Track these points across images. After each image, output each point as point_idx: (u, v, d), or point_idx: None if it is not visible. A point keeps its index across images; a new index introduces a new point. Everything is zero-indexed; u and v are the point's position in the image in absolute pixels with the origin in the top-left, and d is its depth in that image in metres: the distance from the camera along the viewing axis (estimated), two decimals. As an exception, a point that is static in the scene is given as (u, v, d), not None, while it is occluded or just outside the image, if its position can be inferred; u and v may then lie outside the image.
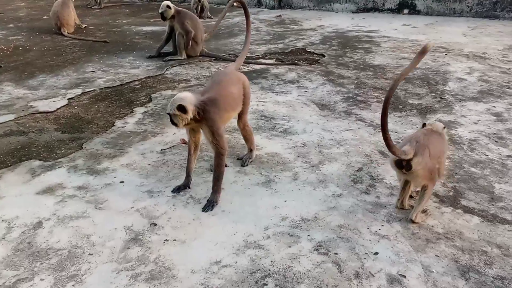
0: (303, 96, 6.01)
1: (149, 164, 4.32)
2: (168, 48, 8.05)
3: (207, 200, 3.65)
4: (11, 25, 11.20)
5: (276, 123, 5.18)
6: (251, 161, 4.31)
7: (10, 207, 3.65)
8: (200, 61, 7.75)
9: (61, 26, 9.86)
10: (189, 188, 3.89)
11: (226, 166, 4.17)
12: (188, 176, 3.90)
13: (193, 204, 3.68)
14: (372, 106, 5.63)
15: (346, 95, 6.03)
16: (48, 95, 6.19)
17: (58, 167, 4.28)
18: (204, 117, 3.56)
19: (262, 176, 4.09)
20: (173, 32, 7.80)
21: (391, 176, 4.00)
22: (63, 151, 4.63)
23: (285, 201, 3.69)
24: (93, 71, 7.27)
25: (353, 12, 12.25)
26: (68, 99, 6.05)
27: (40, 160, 4.42)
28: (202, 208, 3.60)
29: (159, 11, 7.67)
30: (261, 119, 5.31)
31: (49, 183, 4.00)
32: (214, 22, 8.01)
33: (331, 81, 6.62)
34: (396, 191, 3.72)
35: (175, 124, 3.55)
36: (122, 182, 4.03)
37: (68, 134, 5.04)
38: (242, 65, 7.39)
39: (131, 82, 6.73)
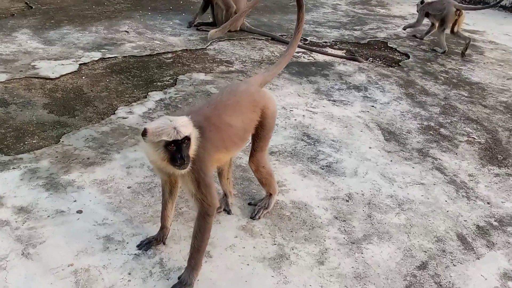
0: (368, 114, 4.53)
1: (129, 187, 3.13)
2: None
3: (178, 279, 2.42)
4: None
5: (320, 151, 3.79)
6: (266, 213, 3.00)
7: None
8: (253, 38, 6.36)
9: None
10: (164, 244, 2.68)
11: (228, 213, 2.93)
12: (163, 227, 2.68)
13: (158, 279, 2.46)
14: (459, 149, 4.07)
15: (426, 123, 4.47)
16: (61, 55, 5.13)
17: (13, 168, 3.20)
18: None
19: (274, 244, 2.78)
20: (210, 1, 6.48)
21: (469, 292, 2.57)
22: (34, 141, 3.54)
23: (294, 306, 2.39)
24: (127, 31, 6.12)
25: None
26: (80, 64, 4.96)
27: (-2, 151, 3.36)
28: None
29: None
30: (302, 140, 3.94)
31: (-13, 193, 2.92)
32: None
33: (410, 96, 5.04)
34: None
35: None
36: (79, 211, 2.87)
37: (54, 115, 3.95)
38: (303, 52, 5.95)
39: (163, 53, 5.52)
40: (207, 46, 5.91)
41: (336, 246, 2.82)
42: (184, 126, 2.19)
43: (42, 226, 2.73)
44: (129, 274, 2.47)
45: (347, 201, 3.24)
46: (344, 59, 5.94)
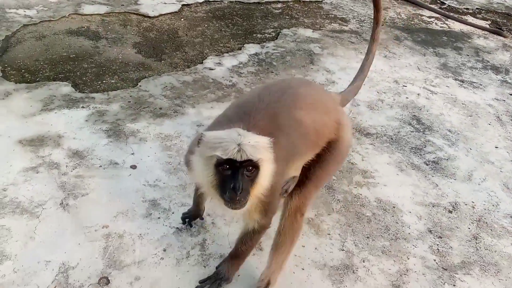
0: (503, 103, 3.63)
1: (194, 148, 2.76)
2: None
3: (216, 269, 2.02)
4: None
5: (429, 141, 3.08)
6: None
7: (-30, 152, 2.53)
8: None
9: None
10: (202, 219, 2.27)
11: None
12: (196, 206, 2.26)
13: (194, 263, 2.09)
14: None
15: None
16: (167, -8, 4.86)
17: (82, 107, 3.01)
18: None
19: (342, 249, 2.24)
20: None
21: None
22: (112, 81, 3.33)
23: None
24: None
25: None
26: (183, 4, 4.65)
27: (74, 86, 3.20)
28: (200, 281, 2.00)
29: None
30: (410, 124, 3.24)
31: (48, 130, 2.76)
32: None
33: None
34: None
35: None
36: (133, 167, 2.59)
37: (142, 56, 3.70)
38: (437, 18, 5.02)
39: (273, 2, 5.00)
40: None
41: (421, 269, 2.20)
42: (255, 147, 1.50)
43: (91, 176, 2.49)
44: (164, 251, 2.13)
45: (450, 212, 2.55)
46: (486, 32, 4.91)
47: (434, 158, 2.94)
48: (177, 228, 2.25)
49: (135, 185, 2.47)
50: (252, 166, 1.51)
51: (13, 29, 3.73)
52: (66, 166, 2.53)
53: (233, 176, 1.49)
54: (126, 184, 2.47)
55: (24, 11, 4.03)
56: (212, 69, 3.62)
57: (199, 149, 1.56)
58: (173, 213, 2.33)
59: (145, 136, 2.82)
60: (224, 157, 1.48)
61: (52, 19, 3.98)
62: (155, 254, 2.12)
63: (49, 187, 2.38)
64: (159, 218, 2.30)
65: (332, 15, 4.86)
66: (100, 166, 2.57)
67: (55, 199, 2.32)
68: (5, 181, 2.38)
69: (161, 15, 4.39)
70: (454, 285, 2.15)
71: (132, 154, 2.68)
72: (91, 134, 2.79)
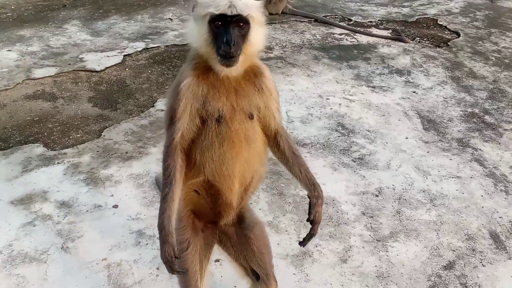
0: (408, 101, 4.40)
1: (163, 182, 3.27)
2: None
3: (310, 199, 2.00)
4: None
5: (353, 142, 3.75)
6: None
7: (-30, 219, 2.90)
8: (296, 21, 6.28)
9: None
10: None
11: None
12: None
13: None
14: (503, 139, 3.88)
15: (469, 109, 4.28)
16: (107, 46, 5.32)
17: (58, 163, 3.43)
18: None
19: (298, 240, 2.82)
20: None
21: (496, 295, 2.50)
22: (78, 135, 3.76)
23: (312, 305, 2.44)
24: (170, 19, 6.23)
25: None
26: (124, 55, 5.13)
27: (45, 146, 3.61)
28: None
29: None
30: (337, 130, 3.90)
31: (34, 188, 3.17)
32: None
33: (456, 80, 4.82)
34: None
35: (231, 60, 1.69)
36: (115, 206, 3.06)
37: (98, 108, 4.15)
38: (347, 34, 5.81)
39: (204, 40, 5.58)
40: (248, 31, 5.91)
41: (360, 244, 2.82)
42: (246, 4, 1.65)
43: (81, 220, 2.93)
44: (157, 269, 2.62)
45: (377, 196, 3.21)
46: (389, 40, 5.75)
47: (359, 155, 3.61)
48: (164, 248, 2.75)
49: (120, 221, 2.95)
50: (243, 22, 1.65)
51: (-26, 103, 4.08)
52: (58, 216, 2.96)
53: (225, 31, 1.63)
54: (113, 222, 2.94)
55: (-20, 84, 4.37)
56: (163, 110, 4.13)
57: (194, 12, 1.71)
58: (158, 238, 2.82)
59: (119, 179, 3.30)
60: (216, 12, 1.62)
61: (7, 87, 4.34)
62: (151, 273, 2.61)
63: (48, 236, 2.81)
64: (147, 244, 2.79)
65: (258, 45, 5.52)
66: (87, 210, 3.02)
67: (56, 245, 2.75)
68: (8, 238, 2.78)
69: (106, 68, 4.85)
70: (386, 251, 2.79)
71: (112, 195, 3.14)
72: (72, 185, 3.23)
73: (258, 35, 1.72)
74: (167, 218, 1.74)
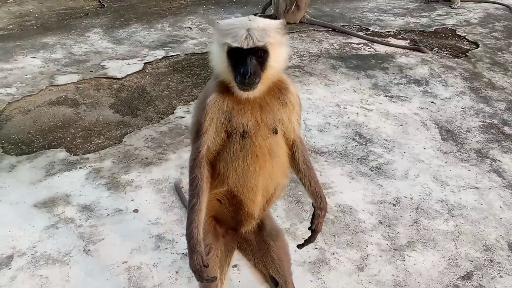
0: (426, 110, 4.40)
1: (182, 187, 3.33)
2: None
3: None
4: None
5: (371, 151, 3.77)
6: None
7: (-4, 220, 2.99)
8: (314, 30, 6.33)
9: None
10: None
11: None
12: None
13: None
14: (523, 150, 3.86)
15: (488, 121, 4.27)
16: (128, 54, 5.44)
17: (80, 167, 3.51)
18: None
19: (315, 248, 2.85)
20: None
21: (515, 307, 2.49)
22: (99, 141, 3.84)
23: (329, 312, 2.46)
24: (190, 28, 6.34)
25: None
26: (145, 63, 5.23)
27: (68, 151, 3.69)
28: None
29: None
30: (354, 139, 3.92)
31: (56, 192, 3.25)
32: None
33: (475, 90, 4.81)
34: None
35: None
36: (136, 211, 3.12)
37: (119, 115, 4.24)
38: (364, 44, 5.84)
39: (222, 49, 5.66)
40: (266, 40, 5.97)
41: (378, 253, 2.83)
42: (265, 30, 1.62)
43: (102, 224, 3.00)
44: (176, 273, 2.67)
45: (394, 205, 3.22)
46: (407, 50, 5.76)
47: (376, 165, 3.62)
48: (183, 253, 2.79)
49: (140, 225, 3.00)
50: (261, 51, 1.63)
51: (0, 108, 4.20)
52: (80, 219, 3.03)
53: (242, 62, 1.61)
54: (133, 226, 2.99)
55: (5, 90, 4.50)
56: (183, 117, 4.20)
57: (214, 37, 1.72)
58: (176, 242, 2.87)
59: (140, 184, 3.36)
60: (233, 44, 1.60)
61: (32, 93, 4.47)
62: (170, 276, 2.65)
63: (70, 238, 2.88)
64: (166, 248, 2.84)
65: (276, 54, 5.58)
66: (108, 214, 3.08)
67: (78, 247, 2.82)
68: (32, 240, 2.85)
69: (127, 75, 4.95)
70: (404, 260, 2.79)
71: (132, 200, 3.21)
72: (94, 189, 3.30)
73: (279, 58, 1.71)
74: (195, 228, 1.78)
